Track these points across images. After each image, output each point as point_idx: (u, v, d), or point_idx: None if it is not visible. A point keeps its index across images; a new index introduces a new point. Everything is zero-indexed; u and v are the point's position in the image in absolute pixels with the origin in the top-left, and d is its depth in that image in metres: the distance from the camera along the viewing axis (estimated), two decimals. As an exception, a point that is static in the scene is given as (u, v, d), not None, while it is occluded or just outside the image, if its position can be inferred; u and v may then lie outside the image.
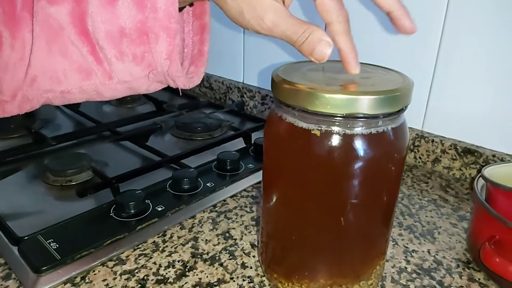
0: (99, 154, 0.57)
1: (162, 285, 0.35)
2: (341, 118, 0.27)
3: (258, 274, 0.37)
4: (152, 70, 0.32)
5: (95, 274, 0.36)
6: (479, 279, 0.37)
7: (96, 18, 0.29)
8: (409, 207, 0.48)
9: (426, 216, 0.46)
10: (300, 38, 0.28)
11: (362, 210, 0.30)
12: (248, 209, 0.47)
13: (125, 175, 0.48)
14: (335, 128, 0.27)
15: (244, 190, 0.51)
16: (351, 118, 0.27)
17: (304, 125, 0.28)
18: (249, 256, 0.39)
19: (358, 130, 0.27)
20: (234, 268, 0.38)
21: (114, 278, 0.36)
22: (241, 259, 0.39)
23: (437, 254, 0.40)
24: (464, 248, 0.41)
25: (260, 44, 0.76)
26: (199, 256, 0.39)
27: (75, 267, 0.36)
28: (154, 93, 0.82)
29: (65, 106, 0.75)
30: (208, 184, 0.49)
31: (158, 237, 0.42)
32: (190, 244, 0.41)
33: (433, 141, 0.57)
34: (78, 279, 0.36)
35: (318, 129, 0.27)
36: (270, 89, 0.31)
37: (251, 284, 0.36)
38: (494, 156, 0.52)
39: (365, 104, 0.26)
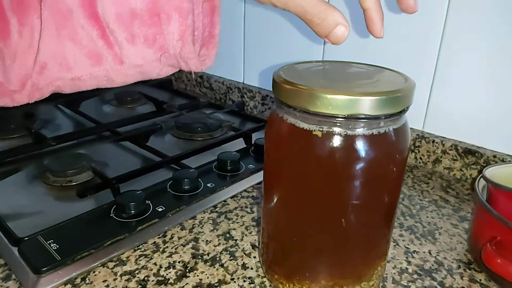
0: (99, 155, 0.57)
1: (162, 286, 0.35)
2: (342, 119, 0.27)
3: (259, 275, 0.37)
4: (164, 52, 0.31)
5: (95, 275, 0.36)
6: (480, 280, 0.37)
7: (106, 0, 0.29)
8: (409, 208, 0.48)
9: (427, 217, 0.46)
10: (316, 18, 0.28)
11: (363, 211, 0.30)
12: (248, 210, 0.47)
13: (126, 175, 0.48)
14: (337, 129, 0.27)
15: (245, 190, 0.51)
16: (352, 119, 0.27)
17: (305, 125, 0.28)
18: (250, 257, 0.39)
19: (360, 131, 0.27)
20: (235, 269, 0.38)
21: (115, 279, 0.36)
22: (242, 260, 0.39)
23: (438, 255, 0.40)
24: (465, 249, 0.41)
25: (260, 44, 0.76)
26: (199, 256, 0.39)
27: (75, 268, 0.36)
28: (154, 93, 0.82)
29: (65, 106, 0.75)
30: (208, 185, 0.49)
31: (158, 237, 0.41)
32: (190, 245, 0.41)
33: (433, 141, 0.57)
34: (78, 280, 0.36)
35: (319, 130, 0.27)
36: (271, 89, 0.31)
37: (252, 285, 0.36)
38: (495, 156, 0.52)
39: (366, 105, 0.26)
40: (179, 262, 0.38)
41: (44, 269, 0.35)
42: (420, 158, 0.59)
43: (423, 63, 0.56)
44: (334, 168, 0.28)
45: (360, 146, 0.27)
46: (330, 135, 0.27)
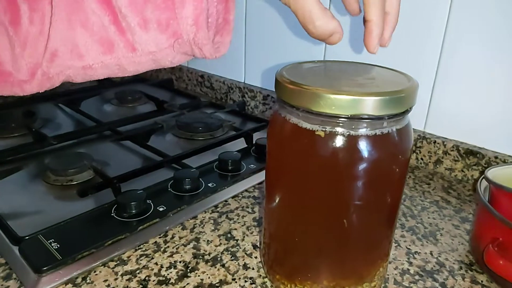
0: (100, 154, 0.57)
1: (163, 286, 0.35)
2: (345, 119, 0.27)
3: (260, 275, 0.37)
4: (178, 38, 0.30)
5: (96, 274, 0.36)
6: (482, 281, 0.37)
7: None
8: (411, 209, 0.48)
9: (429, 218, 0.46)
10: (311, 26, 0.28)
11: (365, 212, 0.30)
12: (249, 210, 0.47)
13: (126, 175, 0.48)
14: (340, 129, 0.27)
15: (246, 190, 0.50)
16: (355, 119, 0.27)
17: (308, 125, 0.28)
18: (251, 257, 0.39)
19: (363, 131, 0.27)
20: (236, 269, 0.38)
21: (116, 279, 0.36)
22: (243, 260, 0.39)
23: (439, 256, 0.40)
24: (466, 250, 0.41)
25: (261, 44, 0.76)
26: (200, 257, 0.39)
27: (76, 267, 0.36)
28: (155, 93, 0.82)
29: (66, 105, 0.75)
30: (209, 185, 0.49)
31: (159, 237, 0.41)
32: (191, 245, 0.40)
33: (435, 142, 0.57)
34: (79, 280, 0.36)
35: (322, 130, 0.27)
36: (272, 89, 0.30)
37: (253, 285, 0.36)
38: (496, 157, 0.52)
39: (370, 105, 0.26)
40: (180, 262, 0.38)
41: (45, 268, 0.35)
42: (422, 159, 0.59)
43: (425, 63, 0.56)
44: (337, 169, 0.28)
45: (363, 146, 0.27)
46: (333, 135, 0.27)
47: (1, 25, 0.29)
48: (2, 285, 0.35)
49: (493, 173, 0.40)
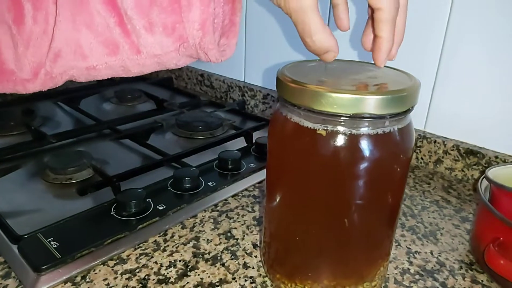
0: (100, 152, 0.57)
1: (163, 285, 0.35)
2: (347, 118, 0.26)
3: (260, 275, 0.37)
4: (183, 42, 0.30)
5: (95, 273, 0.36)
6: (482, 281, 0.37)
7: None
8: (411, 208, 0.48)
9: (429, 217, 0.46)
10: (309, 40, 0.28)
11: (366, 211, 0.29)
12: (249, 209, 0.46)
13: (126, 173, 0.48)
14: (341, 128, 0.27)
15: (246, 189, 0.50)
16: (357, 118, 0.26)
17: (309, 124, 0.28)
18: (251, 256, 0.39)
19: (364, 130, 0.27)
20: (236, 268, 0.37)
21: (115, 278, 0.36)
22: (243, 259, 0.39)
23: (440, 256, 0.40)
24: (467, 249, 0.41)
25: (261, 43, 0.75)
26: (200, 255, 0.39)
27: (76, 266, 0.36)
28: (155, 91, 0.82)
29: (65, 103, 0.75)
30: (209, 183, 0.49)
31: (159, 236, 0.41)
32: (191, 244, 0.40)
33: (435, 141, 0.57)
34: (78, 278, 0.35)
35: (323, 129, 0.27)
36: (272, 88, 0.30)
37: (253, 285, 0.35)
38: (496, 157, 0.52)
39: (371, 104, 0.26)
40: (180, 261, 0.38)
41: (44, 267, 0.35)
42: (422, 158, 0.59)
43: (425, 63, 0.56)
44: (338, 168, 0.28)
45: (365, 145, 0.27)
46: (334, 134, 0.27)
47: (5, 24, 0.29)
48: (1, 284, 0.35)
49: (493, 172, 0.40)
